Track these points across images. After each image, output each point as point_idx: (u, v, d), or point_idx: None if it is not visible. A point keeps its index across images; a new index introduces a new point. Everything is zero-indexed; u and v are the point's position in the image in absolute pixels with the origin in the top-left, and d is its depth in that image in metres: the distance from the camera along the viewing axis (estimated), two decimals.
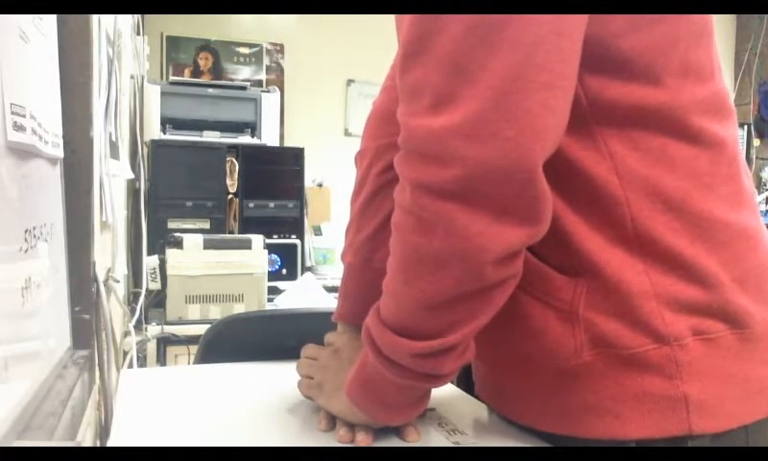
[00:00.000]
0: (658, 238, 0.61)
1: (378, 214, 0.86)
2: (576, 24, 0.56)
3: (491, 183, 0.54)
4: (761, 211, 3.02)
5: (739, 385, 0.62)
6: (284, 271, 2.59)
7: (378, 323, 0.64)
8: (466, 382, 0.89)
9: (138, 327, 1.83)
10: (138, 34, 2.58)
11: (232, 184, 2.66)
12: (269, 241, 2.16)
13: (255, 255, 2.06)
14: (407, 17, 0.57)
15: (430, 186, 0.56)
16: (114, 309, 1.41)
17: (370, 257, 0.85)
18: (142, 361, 1.90)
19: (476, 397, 0.85)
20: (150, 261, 2.10)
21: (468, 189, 0.54)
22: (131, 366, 1.61)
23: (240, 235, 2.46)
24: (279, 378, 0.91)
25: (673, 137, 0.61)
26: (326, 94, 3.76)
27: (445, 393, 0.86)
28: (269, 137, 2.91)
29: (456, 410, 0.81)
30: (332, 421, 0.73)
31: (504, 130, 0.53)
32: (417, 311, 0.61)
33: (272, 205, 2.73)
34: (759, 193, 4.00)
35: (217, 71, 3.56)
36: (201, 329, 1.15)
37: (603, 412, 0.62)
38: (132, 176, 2.14)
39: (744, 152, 4.14)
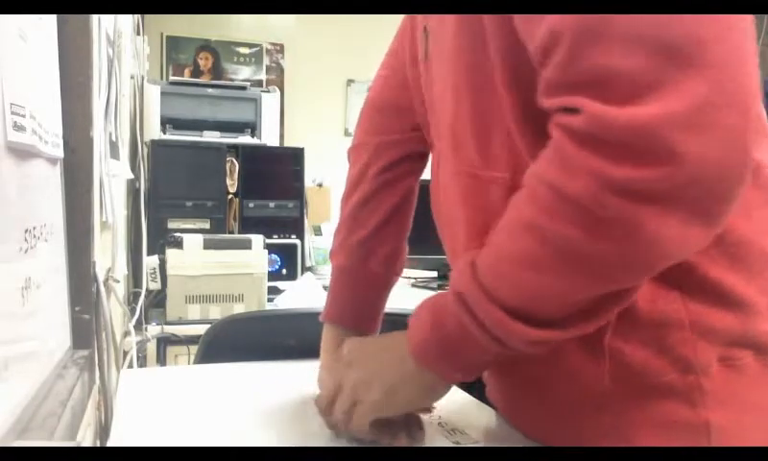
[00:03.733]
0: (694, 266, 0.59)
1: (376, 215, 0.85)
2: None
3: (704, 182, 0.47)
4: None
5: (763, 413, 0.61)
6: (284, 271, 2.58)
7: (488, 302, 0.57)
8: (466, 383, 0.89)
9: (138, 327, 1.82)
10: (138, 34, 2.58)
11: (232, 184, 2.65)
12: (269, 241, 2.16)
13: (255, 255, 2.05)
14: None
15: (624, 186, 0.48)
16: (114, 309, 1.41)
17: (366, 259, 0.84)
18: (142, 361, 1.89)
19: (475, 396, 0.85)
20: (150, 261, 2.10)
21: (675, 189, 0.47)
22: (131, 366, 1.61)
23: (240, 235, 2.45)
24: (279, 378, 0.91)
25: None
26: (326, 94, 3.76)
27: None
28: (269, 137, 2.91)
29: (456, 410, 0.81)
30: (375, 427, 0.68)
31: (727, 116, 0.46)
32: (550, 302, 0.56)
33: (272, 205, 2.73)
34: None
35: (217, 71, 3.56)
36: (201, 329, 1.15)
37: (621, 439, 0.61)
38: (131, 176, 2.14)
39: None
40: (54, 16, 0.91)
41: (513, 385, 0.73)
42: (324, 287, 2.36)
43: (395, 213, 0.87)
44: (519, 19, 0.55)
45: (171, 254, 1.97)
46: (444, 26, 0.68)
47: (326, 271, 2.93)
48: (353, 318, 0.85)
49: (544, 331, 0.56)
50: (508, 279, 0.57)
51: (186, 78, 3.39)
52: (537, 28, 0.52)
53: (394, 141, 0.86)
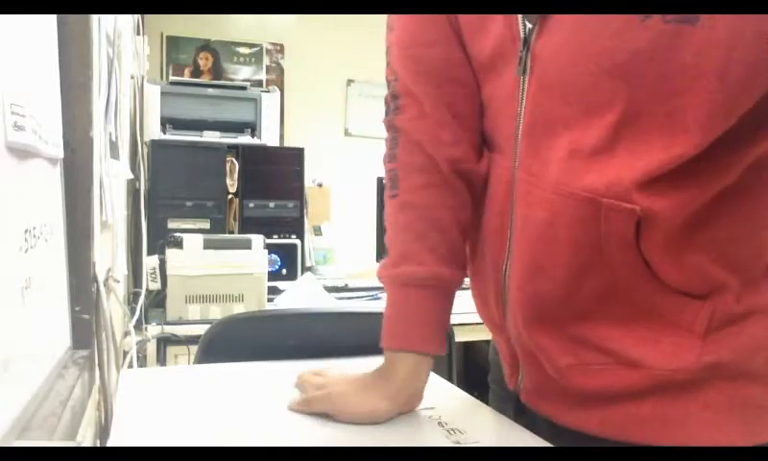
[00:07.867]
0: None
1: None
2: None
3: None
4: None
5: None
6: (284, 271, 2.58)
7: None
8: (465, 381, 0.89)
9: (138, 327, 1.82)
10: (138, 34, 2.58)
11: (232, 184, 2.65)
12: (269, 241, 2.16)
13: (255, 255, 2.05)
14: None
15: None
16: (114, 309, 1.41)
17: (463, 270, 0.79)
18: (142, 361, 1.89)
19: (475, 396, 0.84)
20: (150, 261, 2.10)
21: None
22: (131, 366, 1.61)
23: (240, 235, 2.45)
24: (279, 378, 0.91)
25: None
26: (326, 94, 3.76)
27: (445, 393, 0.86)
28: (269, 137, 2.92)
29: (456, 410, 0.81)
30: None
31: None
32: None
33: (272, 205, 2.73)
34: None
35: (217, 71, 3.56)
36: (201, 329, 1.15)
37: (704, 422, 0.63)
38: (131, 176, 2.14)
39: None
40: (54, 16, 0.91)
41: (569, 376, 0.69)
42: (325, 287, 2.35)
43: None
44: None
45: (171, 254, 1.97)
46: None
47: (326, 271, 2.93)
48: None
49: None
50: None
51: (186, 78, 3.39)
52: None
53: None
